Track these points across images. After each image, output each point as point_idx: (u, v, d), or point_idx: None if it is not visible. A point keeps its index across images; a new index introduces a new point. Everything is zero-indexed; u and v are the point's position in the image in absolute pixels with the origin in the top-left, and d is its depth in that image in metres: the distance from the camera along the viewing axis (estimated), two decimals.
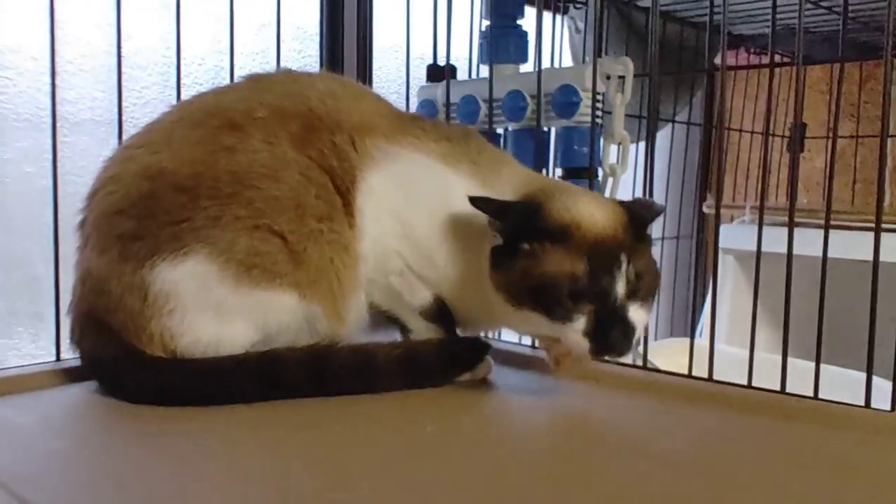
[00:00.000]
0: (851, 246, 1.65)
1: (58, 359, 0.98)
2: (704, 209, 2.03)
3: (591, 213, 0.85)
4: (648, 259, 0.87)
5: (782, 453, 0.77)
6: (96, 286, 0.88)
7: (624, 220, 0.86)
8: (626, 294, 0.82)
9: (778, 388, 0.92)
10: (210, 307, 0.86)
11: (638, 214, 0.88)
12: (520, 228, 0.84)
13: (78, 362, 0.92)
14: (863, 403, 0.87)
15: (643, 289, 0.84)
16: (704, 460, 0.74)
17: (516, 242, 0.85)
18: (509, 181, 0.93)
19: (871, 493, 0.68)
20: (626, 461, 0.73)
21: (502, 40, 1.26)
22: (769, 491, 0.66)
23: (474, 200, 0.86)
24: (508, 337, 1.23)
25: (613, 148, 1.17)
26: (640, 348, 1.08)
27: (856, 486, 0.69)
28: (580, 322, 0.81)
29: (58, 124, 1.02)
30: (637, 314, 0.83)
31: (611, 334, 0.81)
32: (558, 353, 0.94)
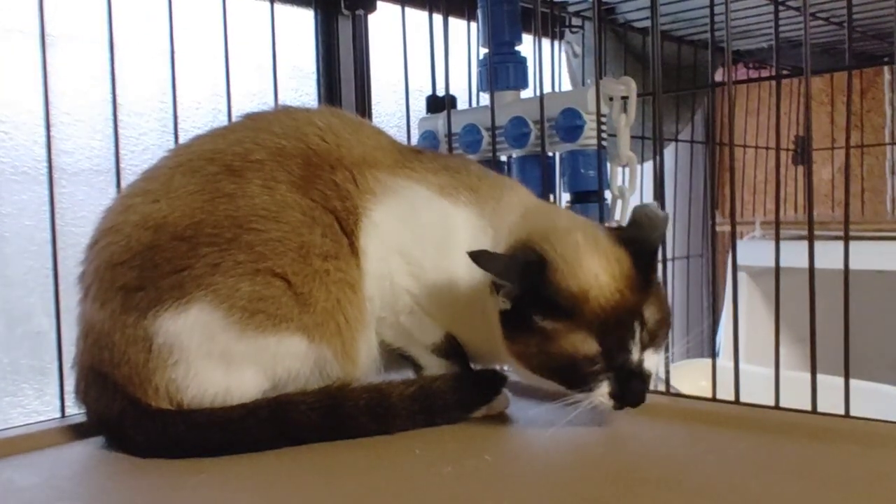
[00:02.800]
0: (867, 257, 1.64)
1: (62, 415, 0.96)
2: (717, 228, 2.00)
3: (595, 273, 0.82)
4: (659, 307, 0.84)
5: (819, 477, 0.73)
6: (99, 339, 0.86)
7: (629, 271, 0.83)
8: (641, 354, 0.82)
9: (804, 406, 0.89)
10: (215, 356, 0.84)
11: (644, 246, 0.85)
12: (528, 294, 0.82)
13: (83, 418, 0.89)
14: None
15: (657, 341, 0.84)
16: (740, 488, 0.70)
17: (525, 308, 0.82)
18: (508, 215, 0.91)
19: None
20: (660, 496, 0.69)
21: (501, 67, 1.24)
22: None
23: (476, 257, 0.82)
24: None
25: (620, 169, 1.15)
26: (662, 373, 1.05)
27: None
28: (603, 388, 0.82)
29: (56, 175, 1.01)
30: (651, 361, 0.84)
31: (631, 393, 0.82)
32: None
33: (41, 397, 1.22)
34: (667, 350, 1.01)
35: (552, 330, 0.82)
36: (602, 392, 0.83)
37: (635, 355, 0.82)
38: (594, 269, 0.82)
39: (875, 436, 0.81)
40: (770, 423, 0.87)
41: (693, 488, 0.70)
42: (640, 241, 0.85)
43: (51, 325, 0.99)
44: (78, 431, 0.90)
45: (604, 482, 0.74)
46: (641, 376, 0.82)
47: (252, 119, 0.96)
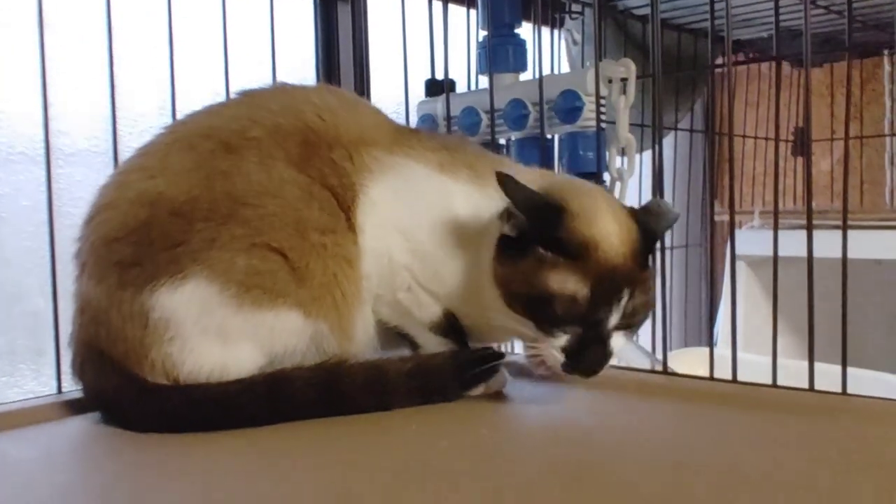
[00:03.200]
0: (865, 246, 1.64)
1: (59, 391, 0.95)
2: (716, 217, 2.00)
3: (609, 232, 0.82)
4: (647, 292, 0.85)
5: (818, 453, 0.73)
6: (95, 316, 0.85)
7: (636, 243, 0.84)
8: (616, 325, 0.82)
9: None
10: (212, 331, 0.84)
11: (650, 231, 0.86)
12: (539, 229, 0.82)
13: (80, 394, 0.89)
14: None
15: (633, 324, 0.84)
16: (738, 464, 0.70)
17: (530, 241, 0.82)
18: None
19: None
20: (658, 467, 0.69)
21: (501, 49, 1.24)
22: (808, 490, 0.63)
23: (502, 179, 0.81)
24: (522, 349, 1.20)
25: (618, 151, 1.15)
26: (659, 354, 1.05)
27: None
28: (562, 339, 0.81)
29: (53, 156, 1.01)
30: (618, 342, 0.83)
31: (588, 358, 0.81)
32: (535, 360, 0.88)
33: (38, 378, 1.21)
34: (664, 329, 1.01)
35: (550, 261, 0.81)
36: (558, 343, 0.81)
37: (612, 320, 0.81)
38: (608, 228, 0.83)
39: (872, 413, 0.82)
40: (767, 401, 0.87)
41: (689, 463, 0.70)
42: (648, 224, 0.86)
43: (47, 306, 0.98)
44: (74, 407, 0.89)
45: (600, 457, 0.74)
46: (603, 349, 0.81)
47: (249, 96, 0.96)
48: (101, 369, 0.85)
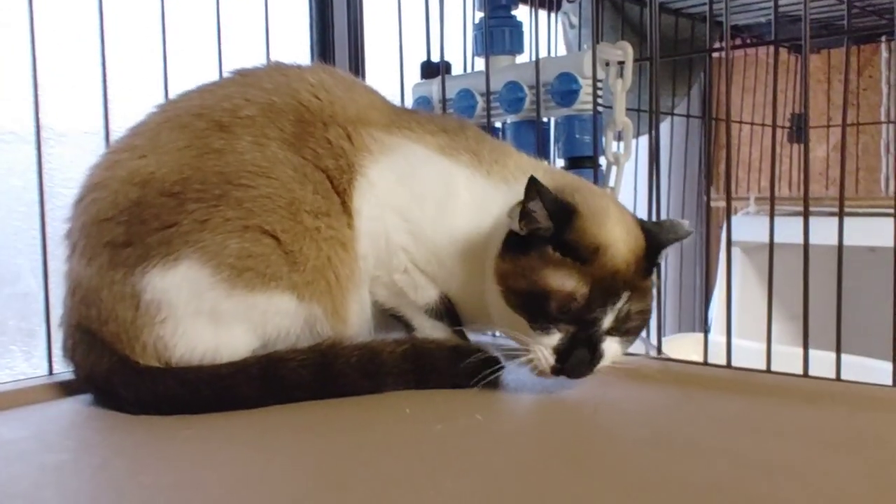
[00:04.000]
0: (860, 233, 1.63)
1: (50, 373, 0.95)
2: (712, 203, 2.00)
3: (616, 237, 0.82)
4: (645, 300, 0.84)
5: (810, 436, 0.73)
6: (86, 297, 0.85)
7: (641, 251, 0.84)
8: (609, 328, 0.81)
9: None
10: (204, 314, 0.83)
11: (656, 242, 0.86)
12: (557, 232, 0.81)
13: (71, 376, 0.88)
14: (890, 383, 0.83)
15: (628, 330, 0.83)
16: (731, 447, 0.70)
17: (541, 241, 0.82)
18: (527, 171, 0.90)
19: None
20: (652, 450, 0.69)
21: (497, 30, 1.23)
22: (800, 473, 0.63)
23: (534, 185, 0.80)
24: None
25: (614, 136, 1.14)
26: (654, 340, 1.05)
27: (887, 464, 0.66)
28: (554, 338, 0.81)
29: (44, 135, 0.99)
30: (611, 347, 0.82)
31: (577, 359, 0.80)
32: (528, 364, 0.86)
33: (29, 359, 1.21)
34: (659, 315, 1.01)
35: (556, 261, 0.81)
36: (550, 342, 0.81)
37: (606, 322, 0.81)
38: (616, 234, 0.83)
39: (865, 398, 0.82)
40: (761, 386, 0.87)
41: (683, 446, 0.70)
42: (655, 234, 0.86)
43: (39, 287, 0.97)
44: (66, 388, 0.89)
45: (594, 440, 0.74)
46: (593, 352, 0.81)
47: (242, 75, 0.95)
48: (93, 350, 0.85)
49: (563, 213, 0.82)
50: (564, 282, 0.80)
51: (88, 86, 1.18)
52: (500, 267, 0.84)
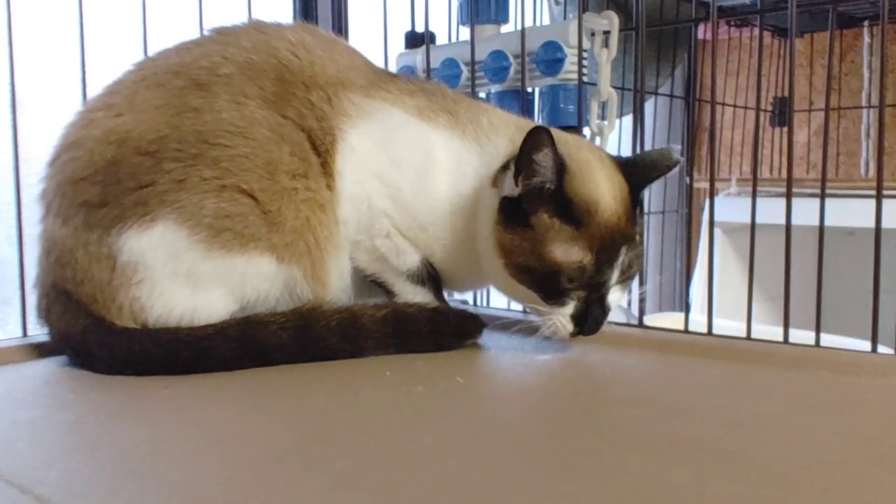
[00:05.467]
0: (839, 214, 1.64)
1: (24, 335, 0.93)
2: (693, 184, 2.00)
3: (604, 191, 0.83)
4: (639, 245, 0.87)
5: (791, 398, 0.74)
6: (61, 256, 0.83)
7: (627, 199, 0.85)
8: (615, 281, 0.84)
9: None
10: (181, 275, 0.82)
11: (638, 184, 0.87)
12: (547, 187, 0.81)
13: (46, 338, 0.87)
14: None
15: (630, 276, 0.85)
16: (713, 406, 0.70)
17: (534, 203, 0.82)
18: (499, 128, 0.90)
19: (886, 430, 0.65)
20: (633, 410, 0.69)
21: (482, 0, 1.22)
22: (783, 431, 0.63)
23: (542, 133, 0.80)
24: (497, 303, 1.19)
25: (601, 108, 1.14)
26: (634, 309, 1.05)
27: (868, 424, 0.66)
28: (570, 307, 0.83)
29: (20, 99, 0.97)
30: (614, 297, 0.85)
31: (594, 319, 0.83)
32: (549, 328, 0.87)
33: (4, 327, 1.19)
34: (641, 283, 1.01)
35: (555, 228, 0.82)
36: (566, 312, 0.83)
37: (613, 279, 0.83)
38: (603, 187, 0.83)
39: (844, 364, 0.82)
40: (742, 352, 0.87)
41: (665, 407, 0.70)
42: (636, 176, 0.87)
43: (13, 254, 0.96)
44: (40, 350, 0.88)
45: (576, 401, 0.74)
46: (604, 307, 0.84)
47: (220, 33, 0.93)
48: (68, 311, 0.83)
49: (560, 165, 0.82)
50: (570, 253, 0.81)
51: (66, 45, 1.15)
52: (502, 240, 0.84)
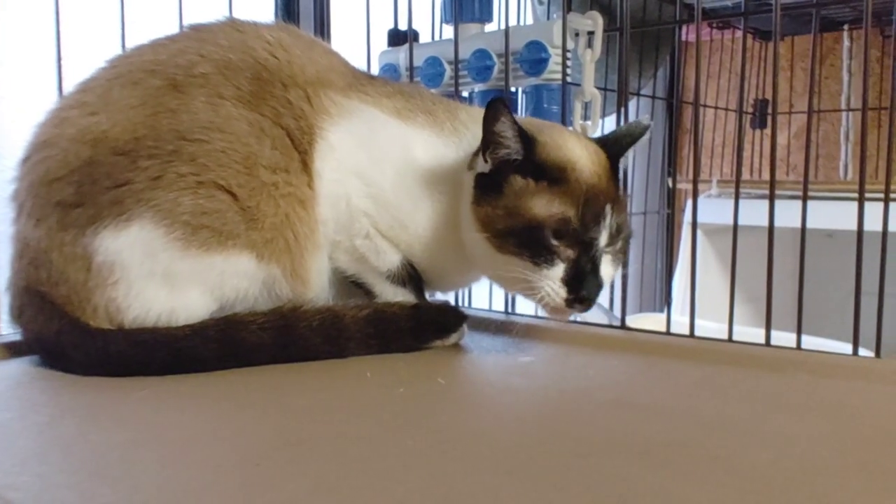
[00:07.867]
0: (819, 216, 1.65)
1: None
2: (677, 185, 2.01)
3: (579, 154, 0.84)
4: (623, 210, 0.86)
5: (772, 401, 0.74)
6: (35, 258, 0.81)
7: (606, 164, 0.86)
8: (605, 245, 0.82)
9: None
10: (158, 275, 0.80)
11: (615, 151, 0.88)
12: (514, 157, 0.82)
13: (18, 337, 0.85)
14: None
15: (620, 243, 0.84)
16: (694, 409, 0.70)
17: (505, 173, 0.82)
18: (477, 118, 0.89)
19: (867, 433, 0.65)
20: (615, 412, 0.69)
21: None
22: (764, 434, 0.63)
23: (498, 104, 0.80)
24: (479, 303, 1.19)
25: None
26: (617, 311, 1.05)
27: (849, 427, 0.66)
28: (559, 269, 0.81)
29: None
30: (607, 270, 0.83)
31: (589, 284, 0.80)
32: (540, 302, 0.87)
33: None
34: (624, 287, 1.01)
35: (530, 189, 0.82)
36: (556, 275, 0.80)
37: (603, 239, 0.82)
38: (578, 152, 0.84)
39: (825, 366, 0.82)
40: (724, 354, 0.87)
41: (647, 409, 0.70)
42: (612, 144, 0.88)
43: None
44: (11, 349, 0.85)
45: (558, 403, 0.74)
46: (597, 277, 0.81)
47: (196, 30, 0.91)
48: (42, 313, 0.81)
49: (526, 139, 0.82)
50: (550, 207, 0.80)
51: (41, 41, 1.14)
52: (479, 213, 0.83)
